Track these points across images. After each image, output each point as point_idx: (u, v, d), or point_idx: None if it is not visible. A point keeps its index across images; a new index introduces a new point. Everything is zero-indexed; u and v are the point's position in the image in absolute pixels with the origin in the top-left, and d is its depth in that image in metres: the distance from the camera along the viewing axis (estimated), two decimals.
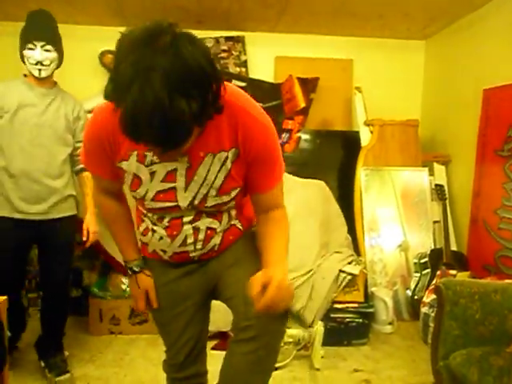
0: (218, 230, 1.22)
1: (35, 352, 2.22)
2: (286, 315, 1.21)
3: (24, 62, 2.02)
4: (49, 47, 2.00)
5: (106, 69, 3.25)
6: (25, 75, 2.09)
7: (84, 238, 2.17)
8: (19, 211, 2.00)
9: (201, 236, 1.20)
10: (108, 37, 3.55)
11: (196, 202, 1.13)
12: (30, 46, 1.98)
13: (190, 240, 1.20)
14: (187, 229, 1.18)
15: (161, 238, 1.21)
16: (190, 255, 1.24)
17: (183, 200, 1.13)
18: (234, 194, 1.15)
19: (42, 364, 2.17)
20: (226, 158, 1.08)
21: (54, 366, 2.12)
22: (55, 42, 2.05)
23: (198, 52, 0.84)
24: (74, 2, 2.83)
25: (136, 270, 1.30)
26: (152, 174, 1.10)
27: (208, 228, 1.20)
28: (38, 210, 2.02)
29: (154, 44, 0.81)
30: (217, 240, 1.23)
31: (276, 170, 1.15)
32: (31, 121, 2.00)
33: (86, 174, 2.15)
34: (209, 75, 0.85)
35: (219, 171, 1.10)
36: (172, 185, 1.11)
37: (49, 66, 2.02)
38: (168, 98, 0.78)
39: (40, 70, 2.00)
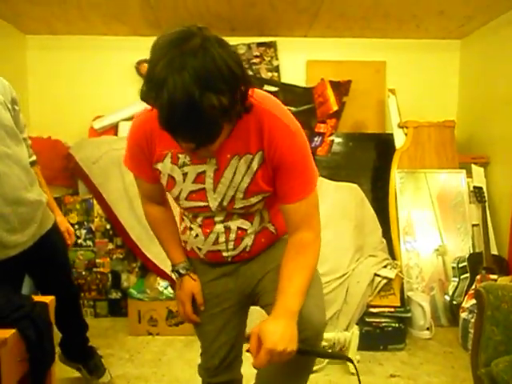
0: (249, 231, 1.25)
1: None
2: (321, 328, 1.19)
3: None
4: None
5: (142, 78, 3.35)
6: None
7: (69, 242, 1.95)
8: (9, 247, 1.57)
9: (232, 236, 1.24)
10: (145, 47, 3.69)
11: (225, 203, 1.18)
12: None
13: (222, 239, 1.25)
14: (219, 228, 1.23)
15: (196, 235, 1.27)
16: (223, 255, 1.28)
17: (213, 201, 1.18)
18: (261, 196, 1.17)
19: (81, 366, 2.11)
20: (252, 160, 1.11)
21: (93, 369, 2.09)
22: None
23: (226, 54, 0.89)
24: (113, 13, 2.94)
25: (182, 272, 1.34)
26: (184, 175, 1.16)
27: (239, 228, 1.24)
28: (30, 234, 1.63)
29: (185, 46, 0.87)
30: (248, 241, 1.26)
31: (304, 180, 1.12)
32: None
33: (36, 170, 1.81)
34: (237, 75, 0.90)
35: (245, 174, 1.13)
36: (202, 186, 1.16)
37: None
38: (199, 93, 0.84)
39: None
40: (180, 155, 1.13)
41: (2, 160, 1.51)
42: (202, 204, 1.19)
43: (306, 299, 1.11)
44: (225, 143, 1.05)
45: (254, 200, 1.17)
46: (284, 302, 1.07)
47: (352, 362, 1.13)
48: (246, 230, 1.24)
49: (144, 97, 0.92)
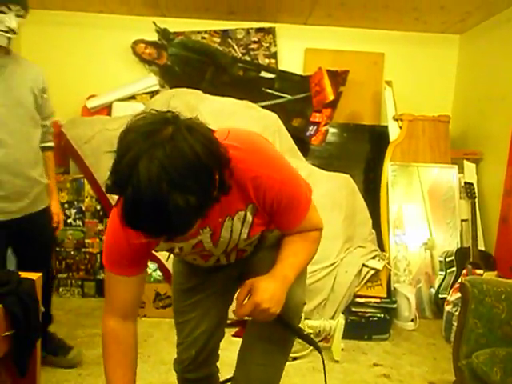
0: (249, 250, 1.26)
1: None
2: (300, 303, 1.22)
3: None
4: (22, 13, 1.67)
5: (138, 58, 3.31)
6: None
7: (55, 225, 1.99)
8: (7, 212, 1.72)
9: (233, 257, 1.26)
10: (141, 27, 3.65)
11: (228, 250, 1.19)
12: (3, 9, 1.61)
13: (223, 260, 1.26)
14: (220, 255, 1.23)
15: (194, 259, 1.26)
16: (224, 265, 1.29)
17: (216, 252, 1.19)
18: (261, 232, 1.18)
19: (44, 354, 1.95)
20: (245, 215, 1.09)
21: (57, 349, 2.07)
22: (27, 6, 1.70)
23: (198, 144, 0.81)
24: None
25: None
26: (180, 249, 1.15)
27: (240, 250, 1.24)
28: (20, 206, 1.76)
29: (155, 137, 0.79)
30: (248, 253, 1.28)
31: (299, 208, 1.11)
32: None
33: (48, 155, 1.96)
34: (209, 167, 0.83)
35: (242, 227, 1.11)
36: (201, 249, 1.15)
37: (16, 34, 1.68)
38: (165, 192, 0.77)
39: (10, 38, 1.66)
40: None
41: (14, 135, 1.70)
42: (205, 253, 1.20)
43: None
44: (211, 212, 0.94)
45: (254, 237, 1.18)
46: (284, 268, 1.09)
47: (320, 352, 1.16)
48: (246, 250, 1.25)
49: (108, 190, 0.83)
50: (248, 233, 1.13)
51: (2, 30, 1.63)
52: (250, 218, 1.09)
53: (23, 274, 1.44)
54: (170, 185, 0.77)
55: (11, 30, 1.64)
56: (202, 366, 1.39)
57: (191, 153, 0.79)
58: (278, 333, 1.18)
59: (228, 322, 2.37)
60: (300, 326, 1.27)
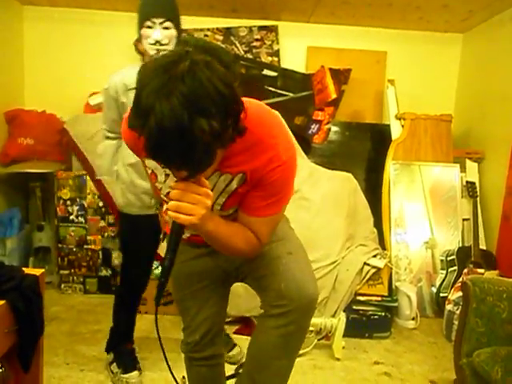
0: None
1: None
2: (315, 297, 1.23)
3: (140, 42, 1.90)
4: (168, 24, 1.82)
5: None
6: (141, 54, 1.94)
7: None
8: (148, 207, 1.95)
9: None
10: None
11: None
12: (149, 23, 1.82)
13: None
14: None
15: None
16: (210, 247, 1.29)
17: None
18: (236, 208, 1.19)
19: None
20: (231, 180, 1.10)
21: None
22: (175, 17, 1.86)
23: (215, 76, 0.85)
24: None
25: None
26: (167, 175, 1.15)
27: None
28: (153, 203, 1.97)
29: (173, 71, 0.83)
30: None
31: (273, 203, 1.11)
32: None
33: None
34: (226, 97, 0.85)
35: (223, 191, 1.12)
36: None
37: (167, 45, 1.82)
38: (188, 118, 0.80)
39: (158, 50, 1.83)
40: None
41: None
42: None
43: (301, 267, 1.20)
44: None
45: (231, 211, 1.19)
46: (217, 218, 1.10)
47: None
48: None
49: (132, 125, 0.87)
50: (224, 201, 1.14)
51: (150, 43, 1.83)
52: (234, 185, 1.11)
53: (27, 270, 1.45)
54: (193, 111, 0.80)
55: (157, 42, 1.82)
56: (206, 347, 1.42)
57: (209, 83, 0.83)
58: (291, 326, 1.19)
59: (230, 319, 2.39)
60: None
